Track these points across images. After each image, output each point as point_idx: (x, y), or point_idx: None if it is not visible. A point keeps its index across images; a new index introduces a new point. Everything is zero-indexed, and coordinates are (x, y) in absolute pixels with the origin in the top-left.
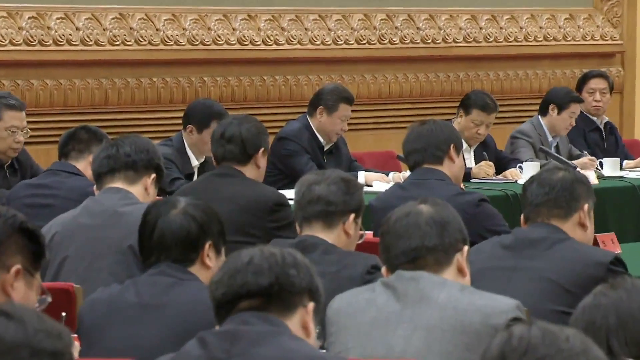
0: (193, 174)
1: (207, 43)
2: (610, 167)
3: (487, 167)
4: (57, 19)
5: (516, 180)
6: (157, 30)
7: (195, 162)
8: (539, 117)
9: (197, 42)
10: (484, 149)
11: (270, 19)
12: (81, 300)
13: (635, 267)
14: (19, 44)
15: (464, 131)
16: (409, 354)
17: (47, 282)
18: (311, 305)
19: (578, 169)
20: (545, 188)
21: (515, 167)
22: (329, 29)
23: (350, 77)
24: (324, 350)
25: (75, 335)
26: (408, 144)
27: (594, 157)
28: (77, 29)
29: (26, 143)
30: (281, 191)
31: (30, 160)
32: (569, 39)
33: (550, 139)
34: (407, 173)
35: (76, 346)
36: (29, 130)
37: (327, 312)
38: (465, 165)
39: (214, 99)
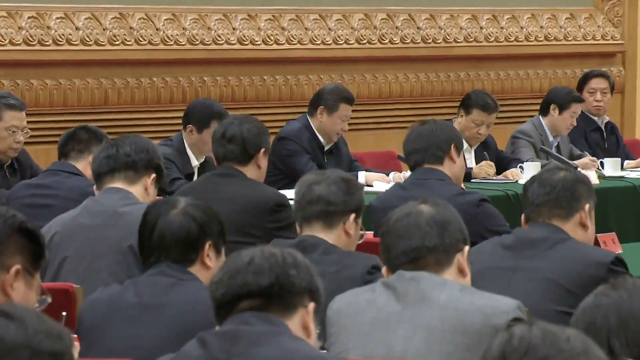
0: (193, 174)
1: (207, 43)
2: (611, 167)
3: (487, 167)
4: (57, 18)
5: (517, 180)
6: (157, 30)
7: (195, 162)
8: (540, 117)
9: (197, 42)
10: (485, 149)
11: (270, 18)
12: (81, 300)
13: (636, 267)
14: (19, 44)
15: (465, 131)
16: (409, 354)
17: (46, 282)
18: (311, 305)
19: (579, 169)
20: (546, 188)
21: (516, 167)
22: (329, 29)
23: (350, 76)
24: (325, 351)
25: (75, 335)
26: (408, 144)
27: (594, 158)
28: (77, 28)
29: (26, 143)
30: (281, 191)
31: (30, 161)
32: (569, 38)
33: (551, 138)
34: (408, 173)
35: (76, 346)
36: (28, 131)
37: (327, 312)
38: (465, 165)
39: (214, 98)
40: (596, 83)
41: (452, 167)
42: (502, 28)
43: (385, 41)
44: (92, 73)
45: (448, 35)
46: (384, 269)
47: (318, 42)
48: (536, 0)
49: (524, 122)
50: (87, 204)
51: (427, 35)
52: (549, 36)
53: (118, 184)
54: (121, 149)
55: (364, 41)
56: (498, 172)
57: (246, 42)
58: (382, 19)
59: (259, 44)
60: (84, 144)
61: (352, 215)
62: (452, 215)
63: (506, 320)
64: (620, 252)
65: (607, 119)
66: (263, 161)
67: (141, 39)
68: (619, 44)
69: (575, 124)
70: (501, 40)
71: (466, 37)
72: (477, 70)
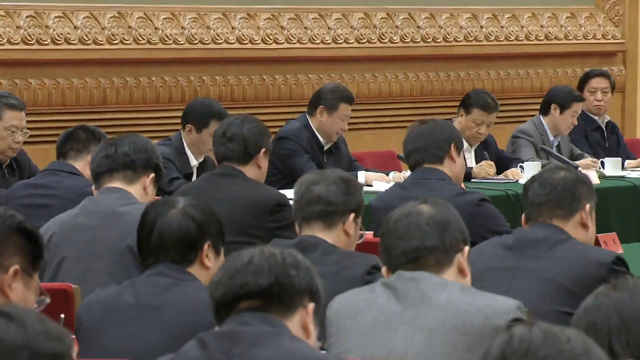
0: (192, 173)
1: (206, 42)
2: (612, 166)
3: (488, 167)
4: (55, 17)
5: (517, 180)
6: (155, 29)
7: (194, 162)
8: (541, 116)
9: (196, 41)
10: (485, 149)
11: (269, 17)
12: (79, 300)
13: (637, 267)
14: (17, 43)
15: (465, 131)
16: (409, 355)
17: (45, 282)
18: (311, 306)
19: (579, 168)
20: (546, 188)
21: (517, 166)
22: (328, 28)
23: (350, 76)
24: (324, 352)
25: (73, 336)
26: (408, 144)
27: (595, 159)
28: (75, 27)
29: (24, 143)
30: (281, 191)
31: (28, 161)
32: (570, 37)
33: (551, 138)
34: (408, 173)
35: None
36: (28, 131)
37: (327, 312)
38: (466, 164)
39: (213, 98)
40: (597, 82)
41: (452, 167)
42: (502, 27)
43: (385, 40)
44: (90, 72)
45: (448, 34)
46: (384, 269)
47: (317, 41)
48: None
49: (524, 121)
50: (85, 203)
51: (427, 35)
52: (550, 35)
53: (117, 184)
54: (120, 149)
55: (364, 40)
56: (498, 172)
57: (245, 42)
58: (381, 18)
59: (258, 43)
60: (83, 143)
61: (352, 215)
62: (453, 215)
63: (506, 321)
64: (621, 252)
65: (607, 118)
66: (263, 161)
67: (140, 38)
68: (619, 43)
69: (576, 123)
70: (501, 39)
71: (466, 36)
72: (477, 69)
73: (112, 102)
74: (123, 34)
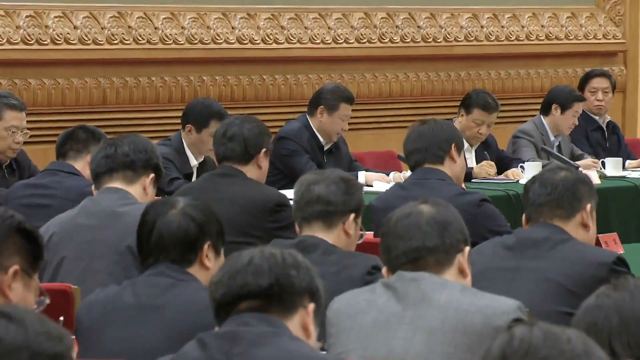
0: (192, 173)
1: (206, 42)
2: (613, 166)
3: (488, 167)
4: (55, 17)
5: (518, 180)
6: (155, 29)
7: (194, 162)
8: (541, 116)
9: (196, 41)
10: (486, 149)
11: (269, 17)
12: (79, 301)
13: (638, 267)
14: (17, 43)
15: (465, 131)
16: (410, 355)
17: (44, 282)
18: (311, 306)
19: (580, 169)
20: (547, 188)
21: (517, 166)
22: (329, 28)
23: (350, 76)
24: (324, 352)
25: (73, 336)
26: (409, 144)
27: (596, 160)
28: (75, 27)
29: (24, 143)
30: (281, 191)
31: (28, 161)
32: (571, 37)
33: (552, 138)
34: (408, 173)
35: None
36: (28, 131)
37: (327, 313)
38: (466, 165)
39: (213, 98)
40: (597, 82)
41: (452, 167)
42: (502, 27)
43: (386, 40)
44: (90, 72)
45: (448, 34)
46: (384, 270)
47: (318, 41)
48: None
49: (524, 121)
50: (85, 204)
51: (428, 34)
52: (550, 35)
53: (116, 184)
54: (119, 149)
55: (364, 40)
56: (499, 172)
57: (245, 41)
58: (382, 17)
59: (258, 43)
60: (82, 143)
61: (352, 215)
62: (453, 215)
63: (507, 321)
64: (621, 252)
65: (608, 118)
66: (264, 162)
67: (140, 38)
68: (620, 43)
69: (577, 123)
70: (502, 39)
71: (467, 36)
72: (478, 69)
73: (112, 102)
74: (123, 33)
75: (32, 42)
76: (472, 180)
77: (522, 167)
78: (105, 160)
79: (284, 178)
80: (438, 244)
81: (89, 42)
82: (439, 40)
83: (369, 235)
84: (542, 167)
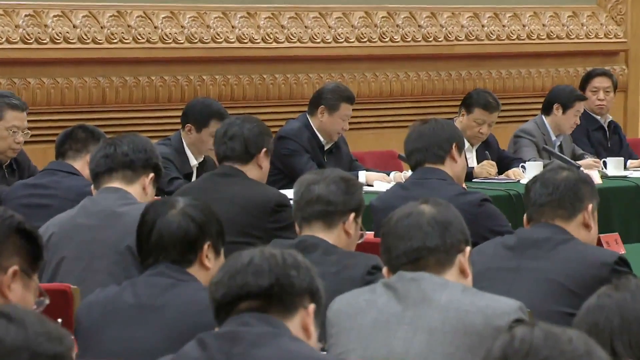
0: (192, 173)
1: (206, 41)
2: (614, 166)
3: (489, 167)
4: (54, 16)
5: (519, 180)
6: (155, 28)
7: (194, 162)
8: (543, 116)
9: (195, 40)
10: (486, 148)
11: (269, 16)
12: (78, 301)
13: None
14: (16, 42)
15: (466, 130)
16: (410, 355)
17: (44, 282)
18: (312, 306)
19: (582, 168)
20: (548, 188)
21: (518, 166)
22: (329, 27)
23: (351, 75)
24: (325, 352)
25: (72, 337)
26: (409, 143)
27: (597, 159)
28: (75, 26)
29: (23, 142)
30: (281, 191)
31: (28, 161)
32: (572, 37)
33: (553, 138)
34: (409, 173)
35: None
36: (29, 131)
37: (327, 313)
38: (467, 164)
39: (213, 97)
40: (599, 82)
41: (453, 167)
42: (503, 26)
43: (386, 39)
44: (89, 72)
45: (449, 33)
46: (384, 270)
47: (318, 40)
48: None
49: (526, 121)
50: (84, 203)
51: (428, 34)
52: (551, 34)
53: (116, 184)
54: (119, 149)
55: (365, 39)
56: (500, 172)
57: (245, 41)
58: (382, 17)
59: (258, 42)
60: (82, 143)
61: (352, 215)
62: (454, 215)
63: (508, 321)
64: (623, 252)
65: (610, 117)
66: (264, 162)
67: (139, 37)
68: (622, 42)
69: (578, 122)
70: (503, 38)
71: (467, 36)
72: (479, 68)
73: (112, 102)
74: (122, 33)
75: (31, 41)
76: (473, 180)
77: (523, 166)
78: (105, 160)
79: (284, 178)
80: (439, 244)
81: (88, 41)
82: (439, 40)
83: (369, 235)
84: (544, 166)
